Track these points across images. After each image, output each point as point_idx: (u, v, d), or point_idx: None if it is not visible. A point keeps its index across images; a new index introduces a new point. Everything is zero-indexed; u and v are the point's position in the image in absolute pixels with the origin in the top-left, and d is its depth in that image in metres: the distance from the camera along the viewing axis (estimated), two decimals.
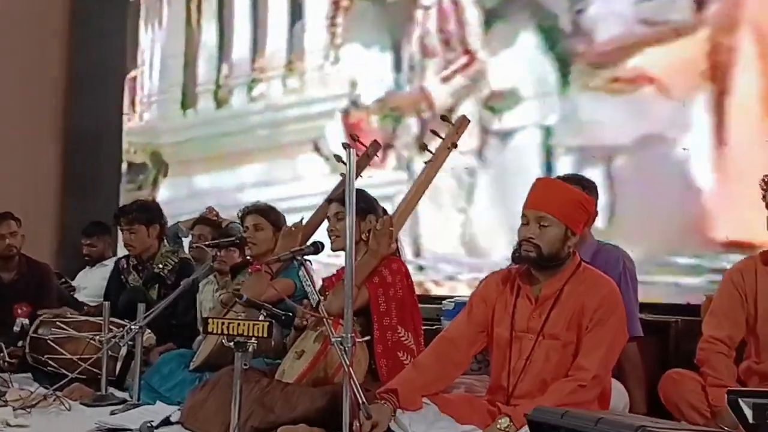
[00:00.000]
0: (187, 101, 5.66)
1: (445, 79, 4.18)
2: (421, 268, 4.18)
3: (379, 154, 3.25)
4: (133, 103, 6.02)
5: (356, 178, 3.01)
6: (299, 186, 3.20)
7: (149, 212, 3.85)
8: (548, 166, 3.71)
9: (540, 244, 2.17)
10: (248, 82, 5.25)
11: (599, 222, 3.31)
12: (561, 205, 2.20)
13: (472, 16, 4.10)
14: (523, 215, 2.22)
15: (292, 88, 4.98)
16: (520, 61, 3.90)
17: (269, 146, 5.03)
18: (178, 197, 4.96)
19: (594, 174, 3.38)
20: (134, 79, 6.03)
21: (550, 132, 3.75)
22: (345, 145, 2.46)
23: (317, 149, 2.71)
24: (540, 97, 3.79)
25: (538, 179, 2.30)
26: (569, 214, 2.19)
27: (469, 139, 3.82)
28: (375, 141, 3.21)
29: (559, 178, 2.67)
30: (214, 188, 5.12)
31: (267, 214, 3.30)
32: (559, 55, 3.76)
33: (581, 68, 3.67)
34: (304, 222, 3.14)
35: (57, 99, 6.08)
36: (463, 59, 4.12)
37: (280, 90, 5.05)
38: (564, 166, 3.60)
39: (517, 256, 2.22)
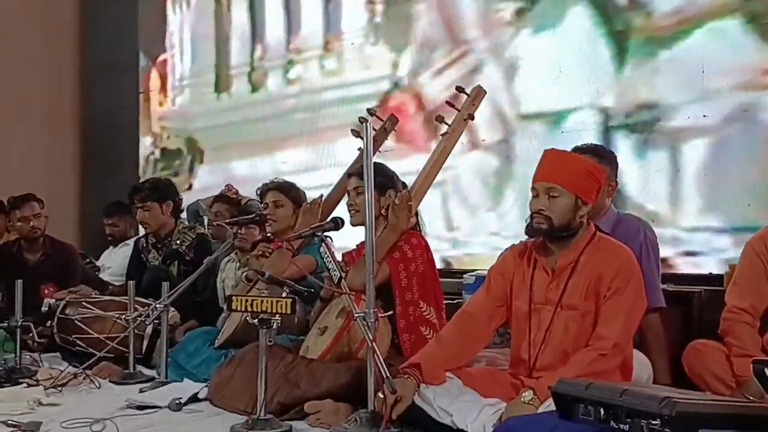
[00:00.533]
0: (221, 85, 5.58)
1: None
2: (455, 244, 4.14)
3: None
4: (164, 87, 5.94)
5: (374, 152, 3.05)
6: (339, 172, 3.20)
7: (162, 189, 3.89)
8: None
9: (551, 216, 2.17)
10: (284, 64, 5.16)
11: (662, 208, 3.32)
12: (570, 175, 2.19)
13: None
14: (533, 188, 2.23)
15: (330, 70, 4.89)
16: (570, 37, 3.75)
17: (307, 131, 4.97)
18: (216, 184, 4.91)
19: (658, 157, 3.33)
20: (165, 62, 5.96)
21: (607, 113, 3.61)
22: (362, 120, 2.46)
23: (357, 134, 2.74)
24: (594, 75, 3.64)
25: (545, 151, 2.29)
26: (579, 184, 2.19)
27: (521, 122, 3.82)
28: (392, 115, 3.19)
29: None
30: (251, 175, 5.04)
31: (287, 190, 3.31)
32: (614, 31, 3.59)
33: (638, 42, 3.51)
34: (324, 198, 3.15)
35: (74, 85, 6.13)
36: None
37: (317, 72, 4.96)
38: (625, 148, 3.46)
39: (529, 229, 2.22)
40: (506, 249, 2.61)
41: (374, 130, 3.10)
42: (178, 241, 3.85)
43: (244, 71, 5.42)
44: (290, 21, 5.15)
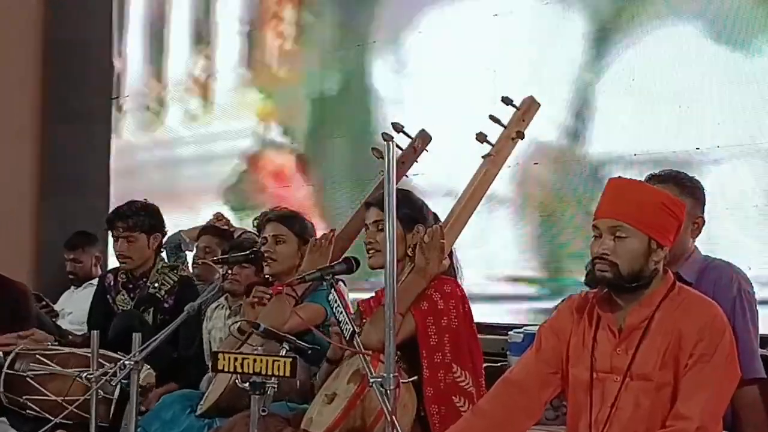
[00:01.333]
0: None
1: None
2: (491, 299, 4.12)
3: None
4: None
5: (399, 177, 3.08)
6: None
7: (153, 217, 3.93)
8: None
9: (617, 261, 2.15)
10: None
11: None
12: (639, 209, 2.17)
13: None
14: (594, 227, 2.21)
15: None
16: None
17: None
18: None
19: None
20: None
21: None
22: (385, 137, 2.49)
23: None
24: None
25: (610, 180, 2.29)
26: (651, 221, 2.17)
27: None
28: (423, 131, 3.22)
29: (651, 176, 2.65)
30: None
31: (291, 222, 3.33)
32: None
33: None
34: (336, 233, 3.16)
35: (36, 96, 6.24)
36: None
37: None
38: None
39: (590, 278, 2.21)
40: (561, 301, 2.59)
41: (400, 149, 3.14)
42: (156, 284, 3.87)
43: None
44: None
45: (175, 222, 4.38)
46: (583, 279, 2.27)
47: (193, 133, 5.17)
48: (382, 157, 2.40)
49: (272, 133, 4.82)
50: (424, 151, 3.24)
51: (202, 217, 4.72)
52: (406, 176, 3.18)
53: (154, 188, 5.28)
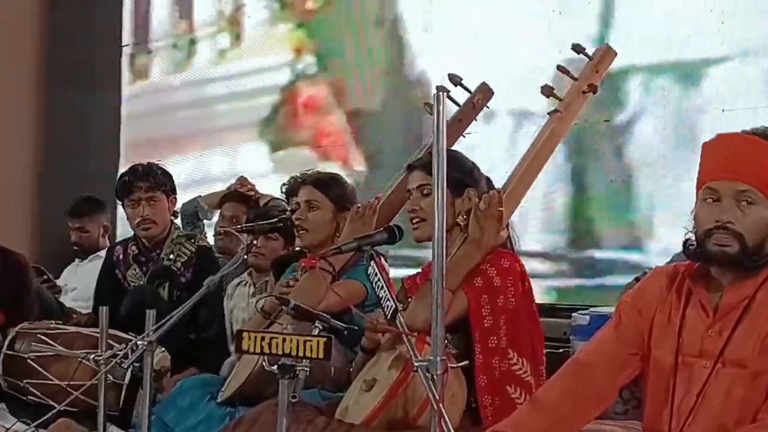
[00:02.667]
0: None
1: None
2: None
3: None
4: None
5: (455, 138, 3.10)
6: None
7: (169, 177, 4.03)
8: None
9: (743, 232, 2.13)
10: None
11: None
12: (766, 172, 2.15)
13: None
14: (709, 189, 2.17)
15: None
16: None
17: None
18: None
19: None
20: None
21: None
22: (439, 89, 2.49)
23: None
24: None
25: (721, 136, 2.25)
26: None
27: None
28: (485, 84, 3.22)
29: (744, 132, 2.64)
30: None
31: (326, 186, 3.36)
32: None
33: None
34: (381, 200, 3.19)
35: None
36: None
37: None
38: None
39: (697, 251, 2.18)
40: (643, 273, 2.58)
41: (456, 104, 3.15)
42: (171, 255, 3.94)
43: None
44: None
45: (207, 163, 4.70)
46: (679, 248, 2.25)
47: (225, 70, 5.54)
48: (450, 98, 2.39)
49: (305, 64, 5.18)
50: (485, 108, 3.24)
51: (241, 156, 5.03)
52: (463, 135, 3.19)
53: (186, 130, 5.68)
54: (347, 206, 3.28)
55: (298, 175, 3.66)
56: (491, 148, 4.16)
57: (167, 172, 4.07)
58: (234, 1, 5.53)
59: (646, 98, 3.99)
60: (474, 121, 3.24)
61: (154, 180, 3.93)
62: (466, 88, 3.15)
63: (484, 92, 3.22)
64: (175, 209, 4.11)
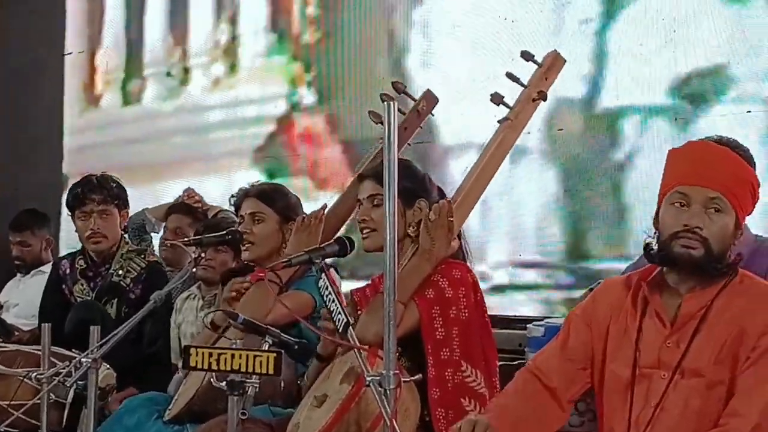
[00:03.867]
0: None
1: None
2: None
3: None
4: None
5: (401, 146, 3.09)
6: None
7: (123, 191, 3.99)
8: None
9: (709, 238, 2.16)
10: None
11: None
12: (735, 182, 2.20)
13: None
14: (679, 193, 2.21)
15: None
16: None
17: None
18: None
19: None
20: None
21: None
22: (384, 98, 2.49)
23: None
24: None
25: (692, 143, 2.30)
26: (742, 199, 2.21)
27: None
28: (429, 92, 3.23)
29: (710, 140, 2.67)
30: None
31: (271, 198, 3.35)
32: None
33: None
34: (327, 210, 3.18)
35: None
36: None
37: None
38: None
39: (660, 254, 2.20)
40: (595, 283, 2.60)
41: (401, 113, 3.15)
42: (120, 271, 3.89)
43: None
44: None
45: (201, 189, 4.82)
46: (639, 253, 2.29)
47: (219, 98, 5.71)
48: (381, 122, 2.41)
49: (300, 95, 5.35)
50: (430, 115, 3.25)
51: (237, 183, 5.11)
52: (408, 144, 3.19)
53: (179, 156, 5.87)
54: (292, 217, 3.28)
55: (246, 186, 3.63)
56: None
57: (121, 185, 4.01)
58: (230, 30, 5.66)
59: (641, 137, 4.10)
60: (419, 128, 3.24)
61: (108, 193, 3.87)
62: (410, 96, 3.16)
63: (429, 99, 3.22)
64: (125, 223, 4.05)
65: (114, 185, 3.92)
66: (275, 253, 3.27)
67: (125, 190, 4.00)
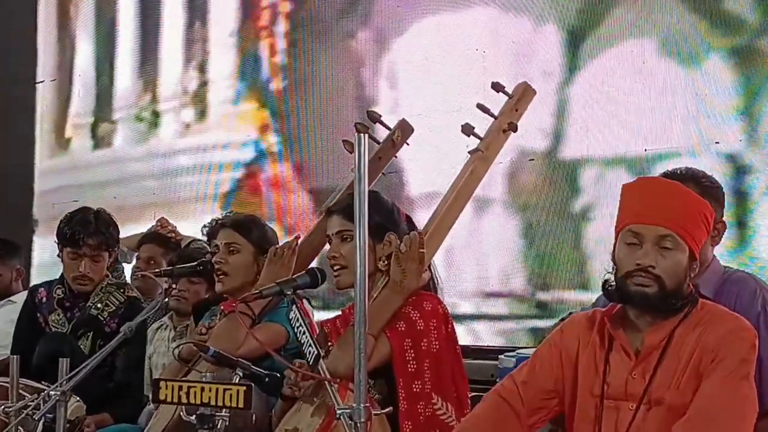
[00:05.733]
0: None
1: None
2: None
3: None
4: None
5: (375, 176, 3.10)
6: None
7: (117, 232, 3.91)
8: None
9: (662, 275, 2.18)
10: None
11: None
12: (685, 217, 2.22)
13: None
14: (631, 232, 2.23)
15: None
16: None
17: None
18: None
19: None
20: None
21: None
22: (359, 127, 2.48)
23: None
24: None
25: (642, 179, 2.34)
26: (694, 231, 2.22)
27: None
28: (404, 121, 3.23)
29: (666, 175, 2.69)
30: None
31: (246, 229, 3.33)
32: None
33: None
34: (300, 241, 3.17)
35: None
36: None
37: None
38: None
39: (617, 292, 2.22)
40: (564, 316, 2.61)
41: (376, 143, 3.15)
42: (98, 304, 3.84)
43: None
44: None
45: None
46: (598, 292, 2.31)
47: (188, 143, 5.81)
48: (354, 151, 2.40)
49: (268, 142, 5.45)
50: (405, 145, 3.24)
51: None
52: (383, 173, 3.19)
53: (148, 200, 5.95)
54: (266, 247, 3.25)
55: (219, 217, 3.62)
56: None
57: (116, 226, 3.94)
58: (199, 77, 5.76)
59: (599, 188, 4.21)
60: (394, 158, 3.24)
61: (104, 239, 3.79)
62: (385, 125, 3.15)
63: (404, 129, 3.21)
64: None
65: (111, 228, 3.85)
66: (249, 285, 3.22)
67: (118, 230, 3.93)
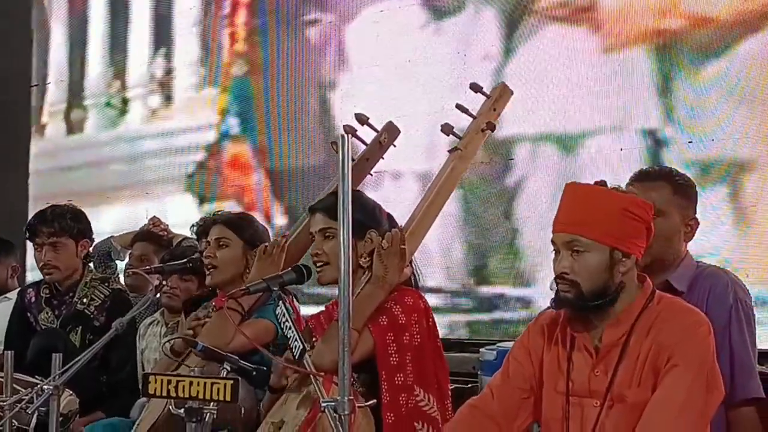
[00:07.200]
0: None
1: None
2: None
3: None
4: None
5: (363, 176, 3.10)
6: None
7: (80, 221, 3.91)
8: None
9: (577, 280, 2.21)
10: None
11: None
12: (596, 219, 2.22)
13: None
14: (552, 242, 2.27)
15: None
16: None
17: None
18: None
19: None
20: None
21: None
22: (346, 129, 2.46)
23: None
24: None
25: (566, 186, 2.33)
26: (611, 230, 2.21)
27: None
28: (391, 123, 3.23)
29: (642, 173, 2.70)
30: None
31: (237, 225, 3.33)
32: None
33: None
34: (290, 239, 3.16)
35: None
36: None
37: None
38: None
39: (554, 300, 2.26)
40: (536, 317, 2.63)
41: (364, 144, 3.15)
42: (84, 299, 3.85)
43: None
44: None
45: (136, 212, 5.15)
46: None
47: (155, 128, 5.97)
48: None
49: (229, 125, 5.59)
50: (392, 146, 3.24)
51: (171, 207, 5.56)
52: (371, 174, 3.19)
53: (117, 182, 6.15)
54: (257, 244, 3.24)
55: (210, 215, 3.62)
56: None
57: (78, 215, 3.94)
58: (165, 66, 5.92)
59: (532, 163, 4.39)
60: (381, 159, 3.24)
61: (59, 225, 3.81)
62: (372, 127, 3.15)
63: (391, 131, 3.22)
64: (87, 252, 4.00)
65: (68, 216, 3.86)
66: (238, 278, 3.24)
67: (83, 220, 3.93)
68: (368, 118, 3.11)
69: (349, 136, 2.32)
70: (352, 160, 3.04)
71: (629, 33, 4.12)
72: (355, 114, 3.11)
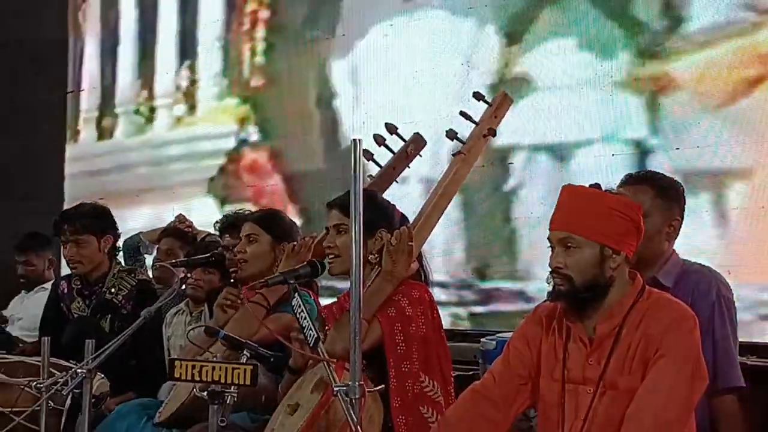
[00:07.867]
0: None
1: None
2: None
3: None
4: None
5: (389, 183, 3.12)
6: None
7: (103, 218, 3.98)
8: None
9: (570, 274, 2.26)
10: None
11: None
12: (587, 218, 2.27)
13: None
14: (548, 239, 2.32)
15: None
16: None
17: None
18: None
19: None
20: None
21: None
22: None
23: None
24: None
25: (562, 189, 2.38)
26: (601, 228, 2.27)
27: None
28: (418, 134, 3.23)
29: (629, 176, 2.73)
30: None
31: (266, 221, 3.37)
32: None
33: None
34: (317, 238, 3.15)
35: None
36: None
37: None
38: None
39: (550, 293, 2.31)
40: (534, 309, 2.65)
41: (391, 152, 3.17)
42: (112, 289, 3.91)
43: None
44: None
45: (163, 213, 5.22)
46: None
47: (180, 134, 6.07)
48: (372, 159, 2.39)
49: (248, 132, 5.67)
50: (418, 156, 3.24)
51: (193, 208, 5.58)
52: (396, 181, 3.21)
53: (143, 185, 6.22)
54: (285, 239, 3.29)
55: (242, 210, 3.71)
56: None
57: (101, 213, 4.02)
58: (189, 77, 6.03)
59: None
60: (407, 168, 3.25)
61: (80, 224, 3.88)
62: (401, 137, 3.16)
63: (417, 142, 3.22)
64: (115, 245, 4.05)
65: (91, 214, 3.93)
66: (267, 272, 3.23)
67: (105, 217, 4.00)
68: (397, 128, 3.11)
69: (360, 141, 2.35)
70: (380, 166, 3.12)
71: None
72: (385, 123, 3.10)
